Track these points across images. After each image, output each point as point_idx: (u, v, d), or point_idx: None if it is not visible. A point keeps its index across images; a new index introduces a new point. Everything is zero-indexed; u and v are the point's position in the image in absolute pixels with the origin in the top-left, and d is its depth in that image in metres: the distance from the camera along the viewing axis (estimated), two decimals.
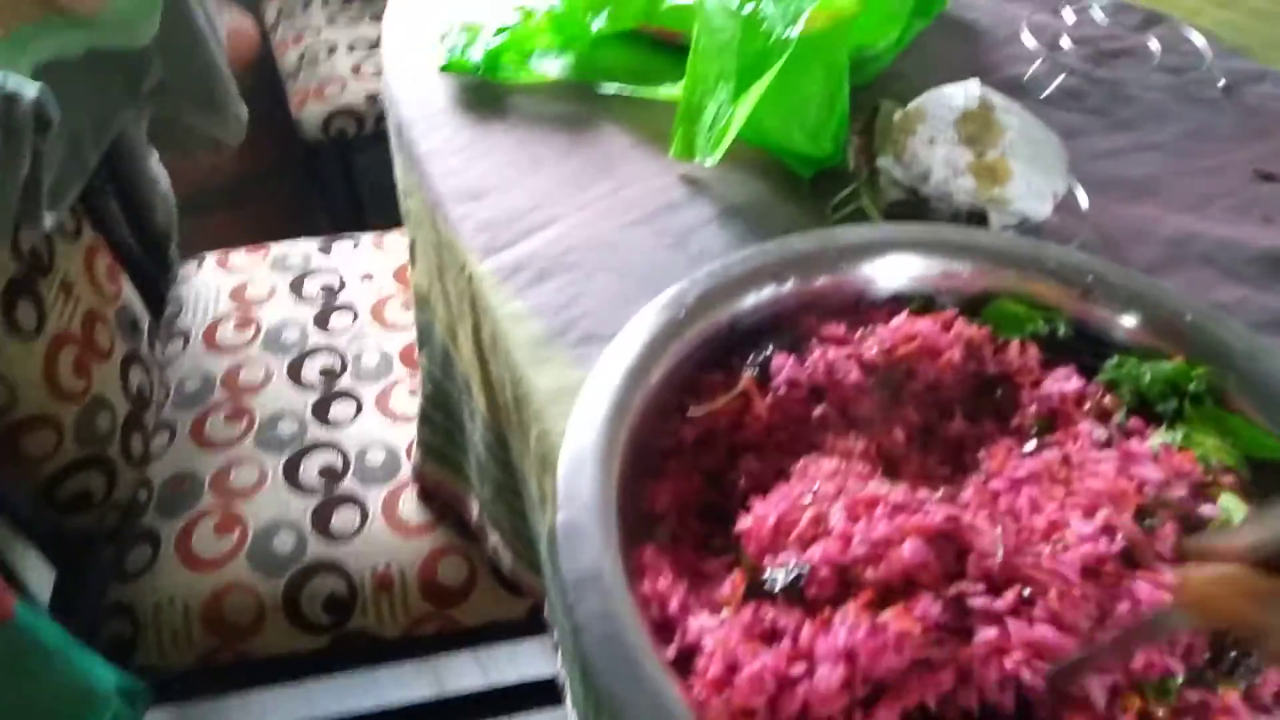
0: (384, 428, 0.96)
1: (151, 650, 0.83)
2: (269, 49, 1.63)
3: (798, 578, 0.37)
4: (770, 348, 0.48)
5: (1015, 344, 0.49)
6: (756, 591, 0.38)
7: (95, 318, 0.88)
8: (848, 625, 0.36)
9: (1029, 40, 0.84)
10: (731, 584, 0.40)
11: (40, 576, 0.87)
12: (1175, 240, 0.67)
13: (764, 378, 0.47)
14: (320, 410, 0.97)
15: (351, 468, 0.93)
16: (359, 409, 0.98)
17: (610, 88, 0.78)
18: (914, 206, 0.66)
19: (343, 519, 0.89)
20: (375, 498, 0.91)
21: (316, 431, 0.95)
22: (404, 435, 0.95)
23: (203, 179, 1.58)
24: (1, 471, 0.78)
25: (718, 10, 0.69)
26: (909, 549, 0.37)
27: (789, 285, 0.51)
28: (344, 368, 1.02)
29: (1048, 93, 0.80)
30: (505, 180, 0.71)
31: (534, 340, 0.60)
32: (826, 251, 0.52)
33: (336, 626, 0.86)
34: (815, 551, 0.37)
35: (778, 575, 0.37)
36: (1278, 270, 0.65)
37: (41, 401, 0.77)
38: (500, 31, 0.80)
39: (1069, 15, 0.89)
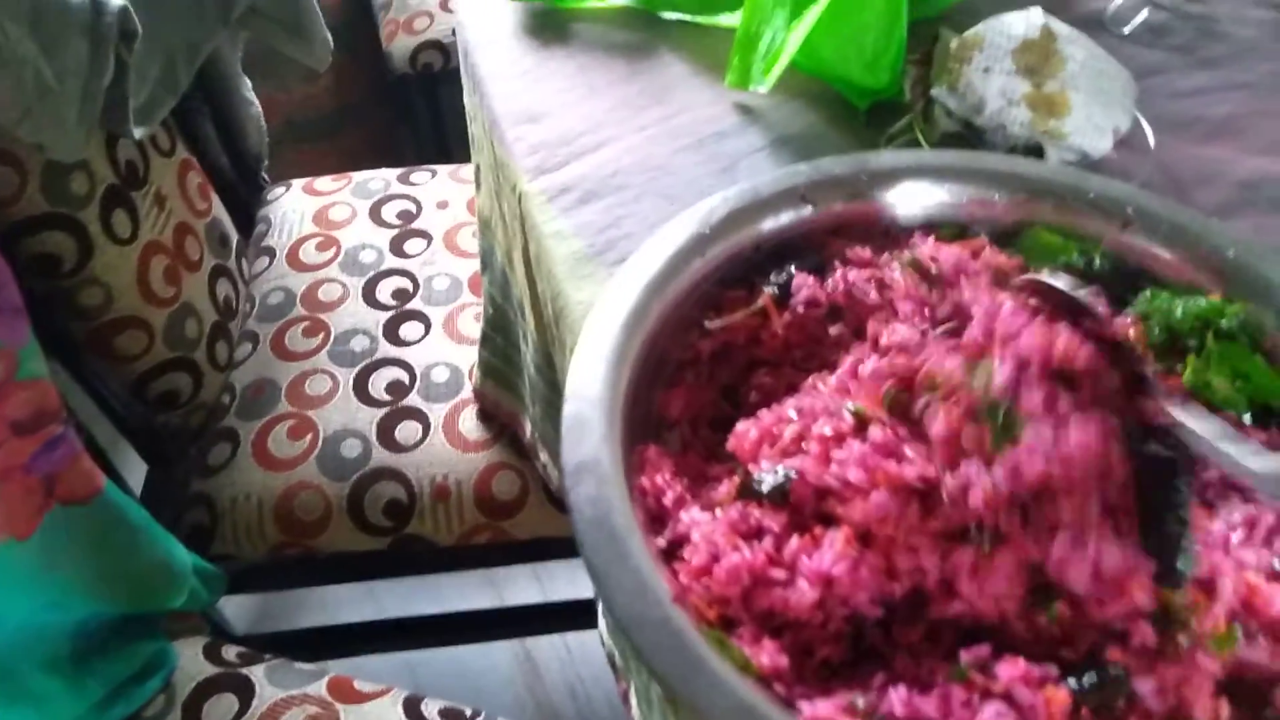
0: (449, 348, 1.01)
1: (228, 540, 0.90)
2: None
3: (785, 480, 0.38)
4: (793, 267, 0.49)
5: (1045, 273, 0.49)
6: (747, 492, 0.39)
7: (186, 230, 0.94)
8: (834, 553, 0.37)
9: None
10: (729, 485, 0.41)
11: (135, 472, 0.96)
12: (1247, 183, 0.64)
13: (784, 297, 0.48)
14: (391, 328, 1.02)
15: (417, 384, 0.97)
16: (427, 329, 1.02)
17: (671, 15, 0.78)
18: (968, 139, 0.65)
19: (406, 431, 0.94)
20: (437, 413, 0.95)
21: (386, 348, 1.00)
22: (468, 356, 0.99)
23: (297, 110, 1.64)
24: (98, 366, 0.85)
25: None
26: (875, 500, 0.37)
27: (818, 207, 0.51)
28: (415, 290, 1.06)
29: (1130, 28, 0.76)
30: (561, 104, 0.73)
31: (575, 258, 0.62)
32: (858, 175, 0.52)
33: (395, 530, 0.91)
34: (796, 462, 0.38)
35: (766, 478, 0.39)
36: None
37: (134, 304, 0.84)
38: None
39: None
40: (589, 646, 1.30)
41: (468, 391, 0.97)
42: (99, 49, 0.58)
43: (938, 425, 0.37)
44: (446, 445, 0.93)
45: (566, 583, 1.32)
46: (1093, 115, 0.60)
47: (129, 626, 0.77)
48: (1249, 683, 0.34)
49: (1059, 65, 0.61)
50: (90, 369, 0.86)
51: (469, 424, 0.94)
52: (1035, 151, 0.63)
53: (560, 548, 0.95)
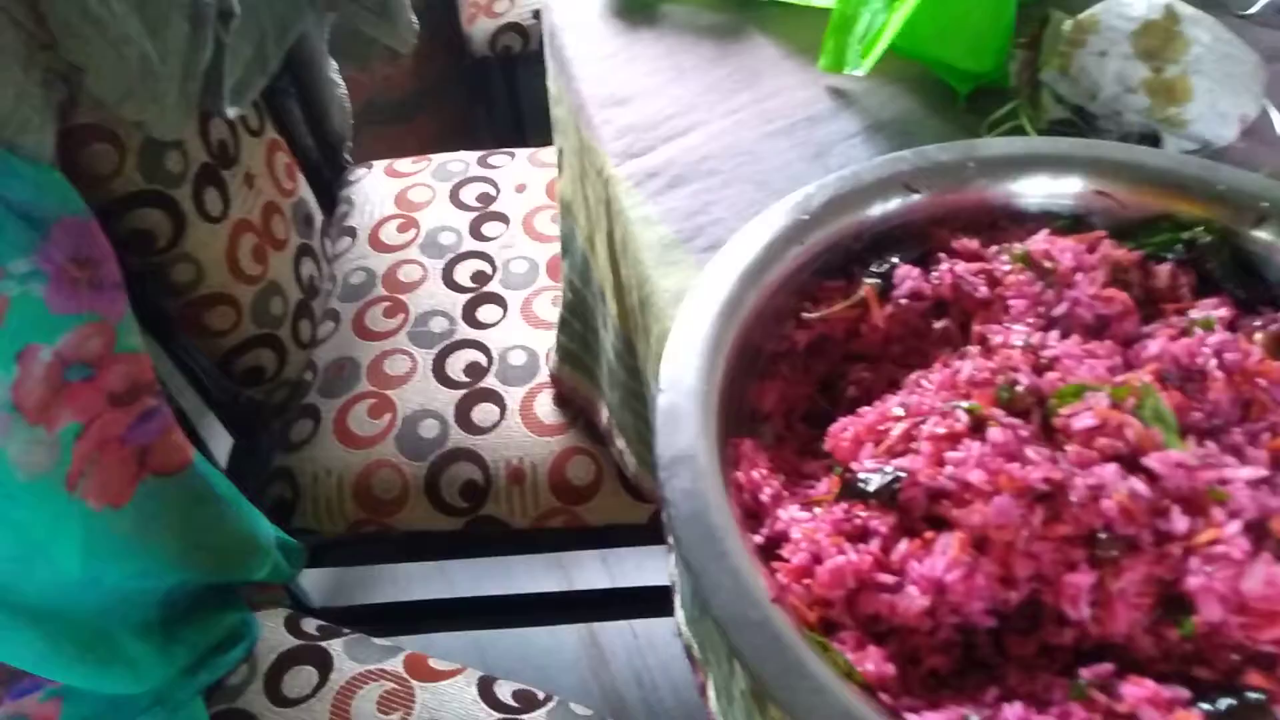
0: (526, 332, 1.01)
1: (308, 515, 0.91)
2: None
3: (893, 480, 0.37)
4: (896, 258, 0.47)
5: (1168, 268, 0.46)
6: (850, 491, 0.38)
7: (273, 209, 0.96)
8: (948, 559, 0.35)
9: None
10: (828, 484, 0.40)
11: (221, 443, 0.98)
12: None
13: (886, 288, 0.46)
14: (469, 310, 1.02)
15: (494, 366, 0.98)
16: (505, 312, 1.02)
17: None
18: (1078, 126, 0.61)
19: (483, 412, 0.94)
20: (514, 395, 0.95)
21: (465, 330, 1.01)
22: (544, 340, 0.98)
23: (378, 92, 1.66)
24: (187, 341, 0.86)
25: None
26: (997, 504, 0.35)
27: (924, 196, 0.49)
28: (493, 272, 1.06)
29: (1256, 8, 0.72)
30: (649, 87, 0.71)
31: (663, 244, 0.61)
32: (966, 164, 0.49)
33: (471, 511, 0.91)
34: (904, 462, 0.37)
35: (872, 477, 0.37)
36: None
37: (224, 281, 0.85)
38: None
39: None
40: (656, 633, 1.29)
41: (544, 375, 0.96)
42: (199, 29, 0.59)
43: (1083, 420, 0.35)
44: (523, 428, 0.93)
45: (634, 569, 1.32)
46: (1217, 102, 0.57)
47: (214, 596, 0.79)
48: None
49: (1182, 48, 0.57)
50: (180, 343, 0.88)
51: (545, 408, 0.94)
52: (1151, 139, 0.59)
53: (630, 535, 0.95)
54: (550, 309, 1.01)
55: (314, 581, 1.37)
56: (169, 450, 0.71)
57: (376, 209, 1.14)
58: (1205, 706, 0.31)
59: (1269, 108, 0.61)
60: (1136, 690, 0.31)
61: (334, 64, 1.16)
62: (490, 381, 0.96)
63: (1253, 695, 0.31)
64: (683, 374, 0.41)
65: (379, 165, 1.21)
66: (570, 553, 1.29)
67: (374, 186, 1.17)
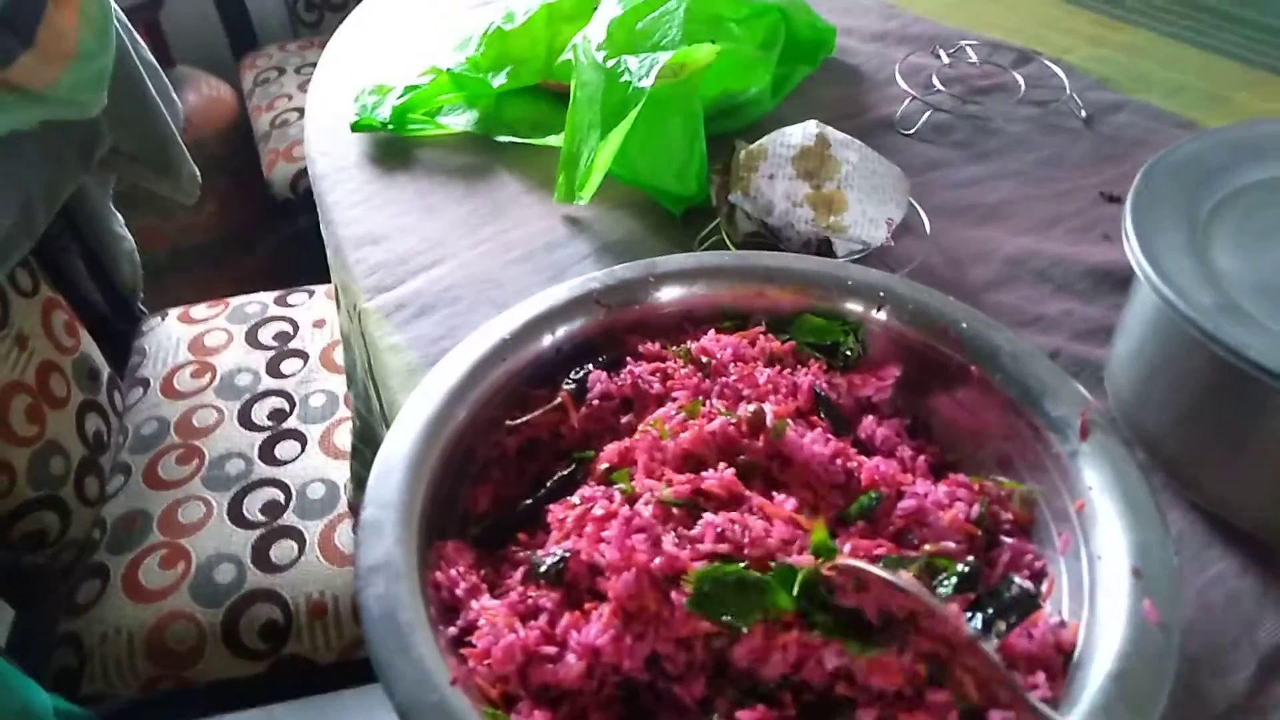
0: (326, 464, 1.02)
1: (97, 679, 0.88)
2: (246, 115, 1.73)
3: (559, 560, 0.42)
4: (590, 365, 0.54)
5: (815, 362, 0.54)
6: (530, 575, 0.43)
7: (51, 368, 0.95)
8: (599, 625, 0.40)
9: (902, 82, 0.90)
10: (521, 573, 0.45)
11: (2, 615, 0.94)
12: (1014, 259, 0.72)
13: (582, 392, 0.53)
14: (267, 449, 1.03)
15: (293, 502, 0.98)
16: (304, 447, 1.04)
17: (506, 139, 0.85)
18: (766, 237, 0.71)
19: (281, 550, 0.94)
20: (313, 529, 0.96)
21: (262, 469, 1.01)
22: (344, 470, 1.00)
23: (182, 238, 1.67)
24: None
25: (588, 65, 0.75)
26: (624, 579, 0.40)
27: (613, 310, 0.56)
28: (292, 409, 1.08)
29: (915, 129, 0.85)
30: (402, 227, 0.78)
31: (409, 370, 0.65)
32: (648, 279, 0.57)
33: (273, 653, 0.91)
34: (571, 544, 0.42)
35: (546, 560, 0.42)
36: (1106, 283, 0.69)
37: None
38: (408, 90, 0.87)
39: (944, 57, 0.95)
40: None
41: (344, 506, 0.98)
42: None
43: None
44: (322, 561, 0.94)
45: None
46: (867, 210, 0.68)
47: None
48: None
49: (835, 168, 0.69)
50: None
51: (345, 538, 0.96)
52: (826, 244, 0.70)
53: None
54: (350, 439, 1.04)
55: None
56: None
57: (170, 356, 1.15)
58: None
59: (918, 209, 0.73)
60: (750, 715, 0.37)
61: (119, 217, 1.18)
62: (289, 518, 0.97)
63: (843, 703, 0.37)
64: (385, 489, 0.45)
65: (173, 313, 1.22)
66: None
67: (167, 334, 1.18)
